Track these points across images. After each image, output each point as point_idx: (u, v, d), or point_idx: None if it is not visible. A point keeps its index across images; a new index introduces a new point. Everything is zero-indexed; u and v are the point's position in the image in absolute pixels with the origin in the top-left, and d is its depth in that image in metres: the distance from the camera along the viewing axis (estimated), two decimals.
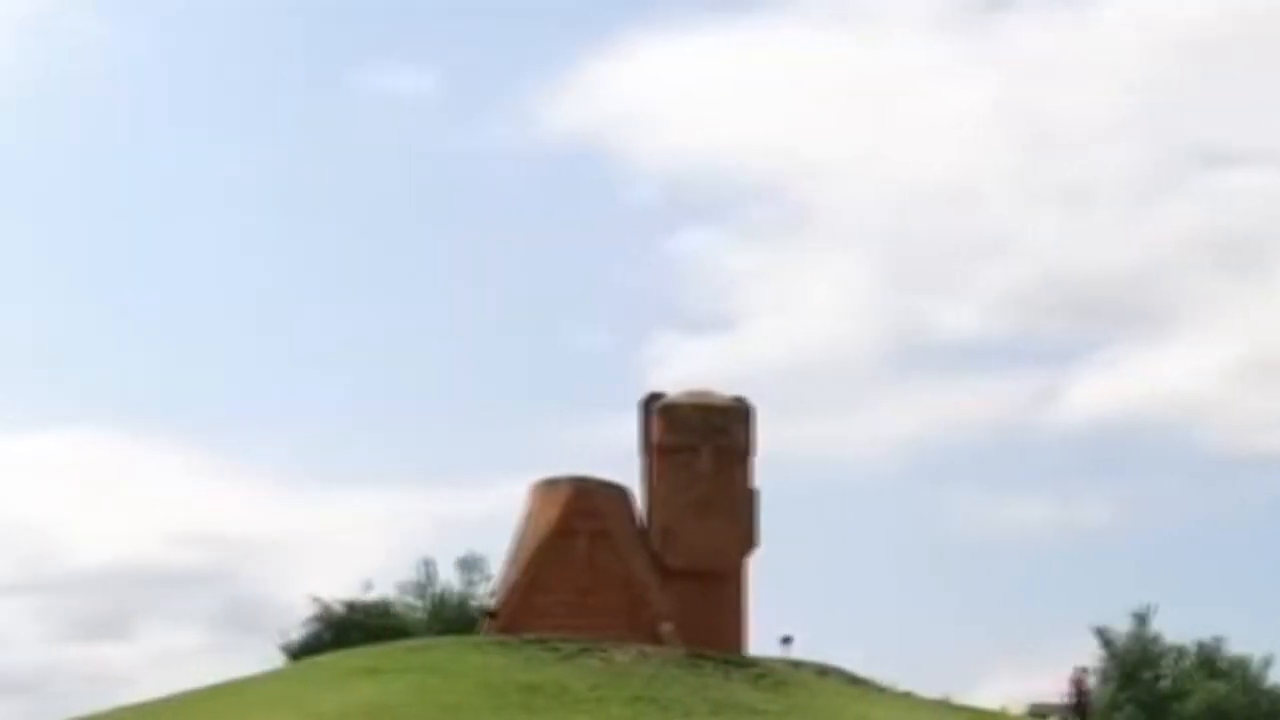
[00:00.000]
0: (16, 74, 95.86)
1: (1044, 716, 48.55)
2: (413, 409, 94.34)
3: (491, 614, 46.64)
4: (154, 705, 37.22)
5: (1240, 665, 64.51)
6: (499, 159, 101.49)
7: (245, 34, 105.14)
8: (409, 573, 58.60)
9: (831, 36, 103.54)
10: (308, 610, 56.17)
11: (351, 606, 55.40)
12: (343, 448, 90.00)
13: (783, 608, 50.67)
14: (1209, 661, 64.49)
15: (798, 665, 40.20)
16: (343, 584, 57.78)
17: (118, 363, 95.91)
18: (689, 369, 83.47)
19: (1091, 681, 50.87)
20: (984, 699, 49.33)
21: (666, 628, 41.65)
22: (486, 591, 52.37)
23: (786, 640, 42.25)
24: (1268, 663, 64.60)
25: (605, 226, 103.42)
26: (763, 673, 37.41)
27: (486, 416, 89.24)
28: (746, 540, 44.85)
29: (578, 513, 44.96)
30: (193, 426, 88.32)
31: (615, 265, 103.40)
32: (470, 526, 79.26)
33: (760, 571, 45.36)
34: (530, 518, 47.32)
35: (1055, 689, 47.36)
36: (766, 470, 45.83)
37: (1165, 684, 63.73)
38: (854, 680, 41.98)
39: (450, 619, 53.10)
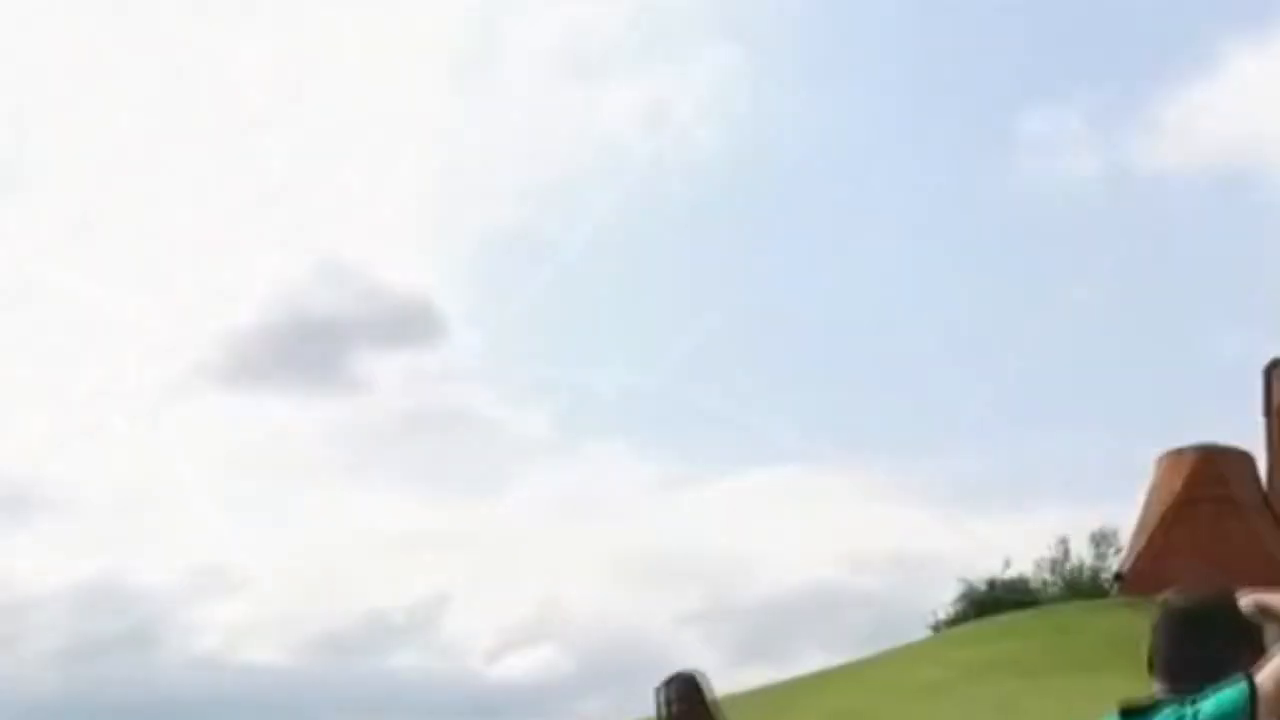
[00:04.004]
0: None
1: None
2: None
3: (1119, 576, 49.25)
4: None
5: None
6: None
7: None
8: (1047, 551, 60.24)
9: None
10: (955, 591, 59.30)
11: (992, 584, 58.12)
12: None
13: None
14: None
15: None
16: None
17: None
18: None
19: None
20: None
21: None
22: (1117, 563, 54.12)
23: None
24: None
25: None
26: None
27: None
28: None
29: (1202, 480, 46.59)
30: None
31: None
32: None
33: None
34: (1156, 487, 49.14)
35: None
36: None
37: None
38: None
39: (1083, 592, 54.32)
